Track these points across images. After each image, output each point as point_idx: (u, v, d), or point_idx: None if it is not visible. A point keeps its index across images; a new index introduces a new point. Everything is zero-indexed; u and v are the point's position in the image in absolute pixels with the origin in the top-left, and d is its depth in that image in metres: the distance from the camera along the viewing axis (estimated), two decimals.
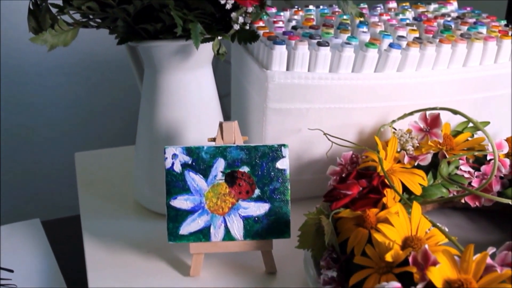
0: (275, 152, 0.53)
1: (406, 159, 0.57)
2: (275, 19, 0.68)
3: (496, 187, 0.56)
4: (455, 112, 0.56)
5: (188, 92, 0.60)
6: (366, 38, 0.62)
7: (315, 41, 0.59)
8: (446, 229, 0.45)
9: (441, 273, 0.38)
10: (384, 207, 0.49)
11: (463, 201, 0.58)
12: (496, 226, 0.60)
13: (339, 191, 0.50)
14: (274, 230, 0.53)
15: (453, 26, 0.70)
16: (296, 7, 0.75)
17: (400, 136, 0.60)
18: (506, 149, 0.60)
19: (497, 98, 0.67)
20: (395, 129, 0.62)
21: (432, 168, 0.57)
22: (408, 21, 0.70)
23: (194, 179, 0.52)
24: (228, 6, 0.52)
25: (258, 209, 0.53)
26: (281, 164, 0.53)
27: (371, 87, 0.60)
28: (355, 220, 0.47)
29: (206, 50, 0.58)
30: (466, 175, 0.57)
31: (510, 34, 0.65)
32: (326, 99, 0.60)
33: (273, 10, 0.73)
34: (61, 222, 0.78)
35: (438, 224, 0.45)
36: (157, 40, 0.55)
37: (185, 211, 0.52)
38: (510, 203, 0.52)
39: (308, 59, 0.58)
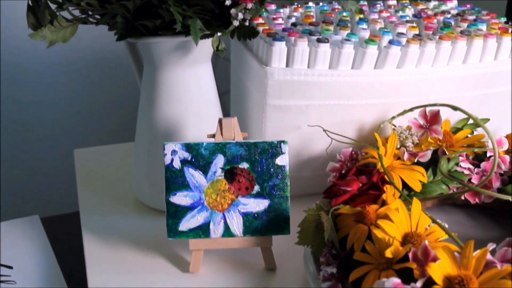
0: (274, 149, 0.53)
1: (405, 156, 0.57)
2: (274, 16, 0.68)
3: (496, 184, 0.56)
4: (455, 108, 0.56)
5: (187, 88, 0.60)
6: (366, 35, 0.62)
7: (315, 37, 0.59)
8: (446, 226, 0.45)
9: (441, 269, 0.38)
10: (383, 203, 0.49)
11: (463, 197, 0.58)
12: (496, 223, 0.60)
13: (338, 187, 0.50)
14: (273, 227, 0.53)
15: (453, 23, 0.69)
16: (295, 4, 0.74)
17: (400, 133, 0.60)
18: (506, 146, 0.60)
19: (497, 95, 0.67)
20: (395, 126, 0.62)
21: (432, 164, 0.57)
22: (407, 18, 0.70)
23: (194, 175, 0.52)
24: (228, 2, 0.52)
25: (258, 205, 0.53)
26: (280, 160, 0.53)
27: (371, 83, 0.60)
28: (354, 216, 0.47)
29: (206, 47, 0.58)
30: (466, 172, 0.57)
31: (510, 31, 0.65)
32: (326, 95, 0.60)
33: (273, 7, 0.73)
34: (60, 218, 0.77)
35: (438, 220, 0.45)
36: (156, 36, 0.55)
37: (185, 207, 0.52)
38: (510, 199, 0.52)
39: (307, 56, 0.58)
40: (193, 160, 0.52)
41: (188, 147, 0.52)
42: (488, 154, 0.58)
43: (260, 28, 0.62)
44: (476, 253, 0.39)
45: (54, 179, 1.29)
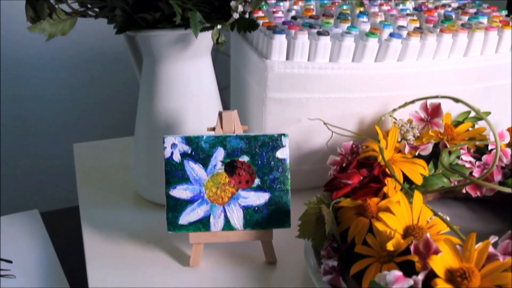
0: (275, 142, 0.52)
1: (407, 149, 0.57)
2: (274, 9, 0.68)
3: (497, 177, 0.56)
4: (457, 100, 0.56)
5: (187, 82, 0.60)
6: (366, 28, 0.62)
7: (315, 30, 0.59)
8: (448, 219, 0.45)
9: (443, 261, 0.38)
10: (385, 196, 0.48)
11: (464, 191, 0.58)
12: (497, 216, 0.60)
13: (339, 180, 0.50)
14: (274, 220, 0.52)
15: (453, 16, 0.69)
16: None
17: (401, 126, 0.60)
18: (507, 139, 0.59)
19: (498, 88, 0.67)
20: (396, 119, 0.62)
21: (433, 158, 0.57)
22: (408, 11, 0.70)
23: (194, 169, 0.52)
24: None
25: (258, 198, 0.52)
26: (281, 153, 0.52)
27: (371, 77, 0.60)
28: (355, 209, 0.47)
29: (206, 39, 0.58)
30: (467, 165, 0.57)
31: (511, 24, 0.65)
32: (326, 88, 0.60)
33: (273, 0, 0.72)
34: (60, 213, 0.77)
35: (439, 213, 0.45)
36: (156, 29, 0.55)
37: (185, 201, 0.52)
38: (511, 192, 0.52)
39: (308, 49, 0.58)
40: (193, 153, 0.52)
41: (188, 140, 0.52)
42: (489, 147, 0.58)
43: (260, 21, 0.61)
44: (478, 245, 0.38)
45: (53, 174, 1.29)
